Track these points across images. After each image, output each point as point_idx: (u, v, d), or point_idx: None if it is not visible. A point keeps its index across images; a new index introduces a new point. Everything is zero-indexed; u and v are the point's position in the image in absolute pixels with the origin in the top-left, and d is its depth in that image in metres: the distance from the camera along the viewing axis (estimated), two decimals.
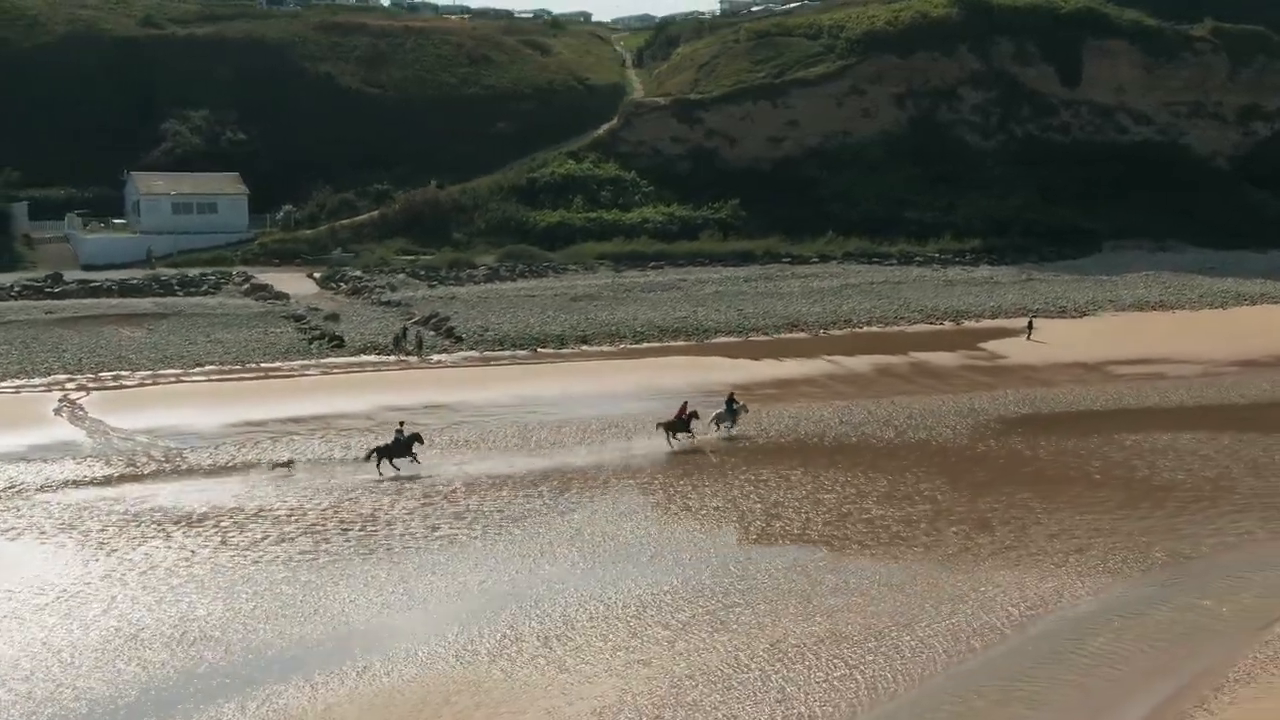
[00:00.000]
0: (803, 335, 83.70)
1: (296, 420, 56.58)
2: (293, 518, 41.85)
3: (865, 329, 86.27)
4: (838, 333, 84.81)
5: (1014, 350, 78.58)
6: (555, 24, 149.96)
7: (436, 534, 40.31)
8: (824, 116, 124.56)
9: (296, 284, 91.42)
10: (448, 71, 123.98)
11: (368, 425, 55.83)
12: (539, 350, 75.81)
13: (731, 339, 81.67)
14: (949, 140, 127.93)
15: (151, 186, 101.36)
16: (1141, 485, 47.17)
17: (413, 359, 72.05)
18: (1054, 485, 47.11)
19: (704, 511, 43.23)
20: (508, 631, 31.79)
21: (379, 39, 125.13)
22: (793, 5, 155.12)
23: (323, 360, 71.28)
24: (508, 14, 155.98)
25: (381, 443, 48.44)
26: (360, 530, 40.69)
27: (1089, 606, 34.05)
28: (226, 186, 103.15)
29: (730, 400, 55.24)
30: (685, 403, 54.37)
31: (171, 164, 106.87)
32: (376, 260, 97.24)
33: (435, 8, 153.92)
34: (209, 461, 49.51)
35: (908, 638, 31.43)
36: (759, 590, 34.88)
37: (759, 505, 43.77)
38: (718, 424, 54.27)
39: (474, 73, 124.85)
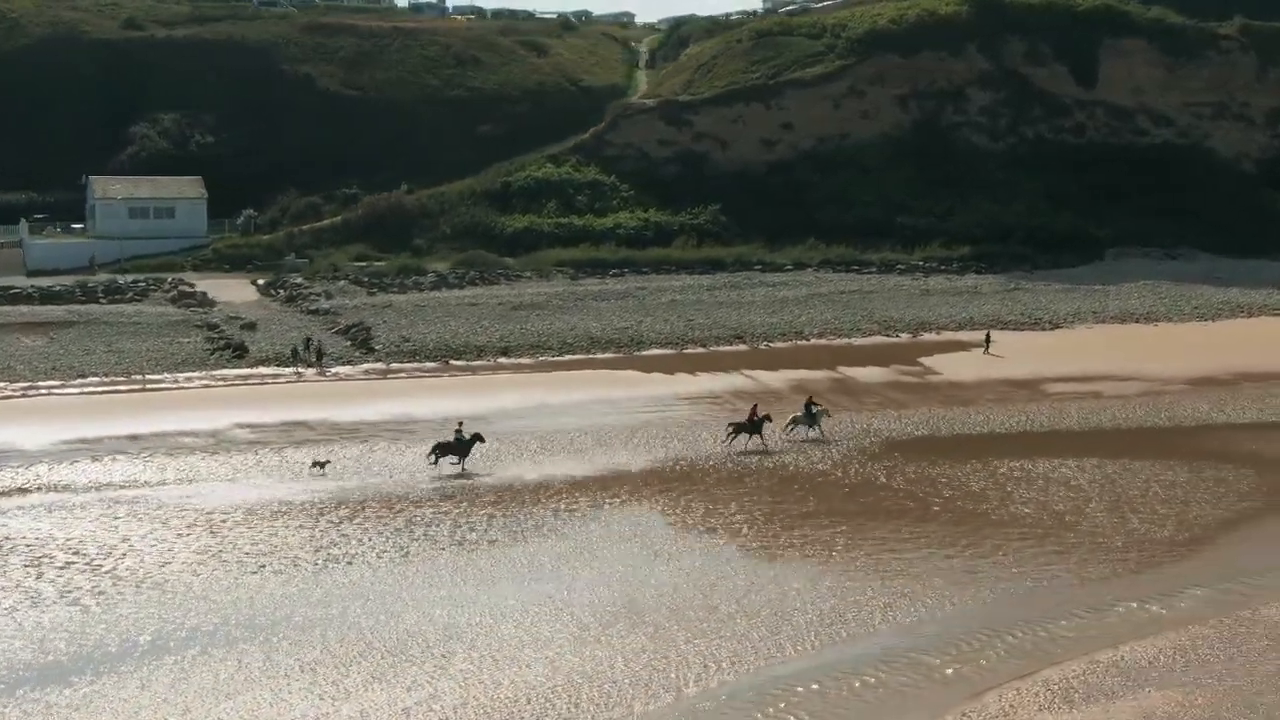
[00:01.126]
0: (742, 348, 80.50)
1: (135, 438, 54.69)
2: None
3: (813, 341, 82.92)
4: (781, 346, 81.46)
5: (954, 366, 74.93)
6: (566, 25, 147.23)
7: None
8: (820, 118, 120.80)
9: (236, 291, 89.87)
10: (432, 73, 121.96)
11: (209, 444, 53.83)
12: (450, 363, 73.28)
13: (665, 351, 78.74)
14: (954, 143, 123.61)
15: (108, 190, 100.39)
16: (977, 519, 43.99)
17: (309, 371, 69.70)
18: (880, 518, 44.10)
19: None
20: None
21: (365, 40, 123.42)
22: (824, 4, 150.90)
23: (216, 372, 69.42)
24: (525, 14, 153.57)
25: (444, 440, 49.80)
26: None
27: (795, 666, 30.74)
28: (185, 190, 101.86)
29: (809, 404, 55.96)
30: (755, 405, 55.31)
31: (137, 168, 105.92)
32: (327, 267, 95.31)
33: (443, 9, 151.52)
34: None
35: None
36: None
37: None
38: (794, 426, 54.87)
39: (460, 74, 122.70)
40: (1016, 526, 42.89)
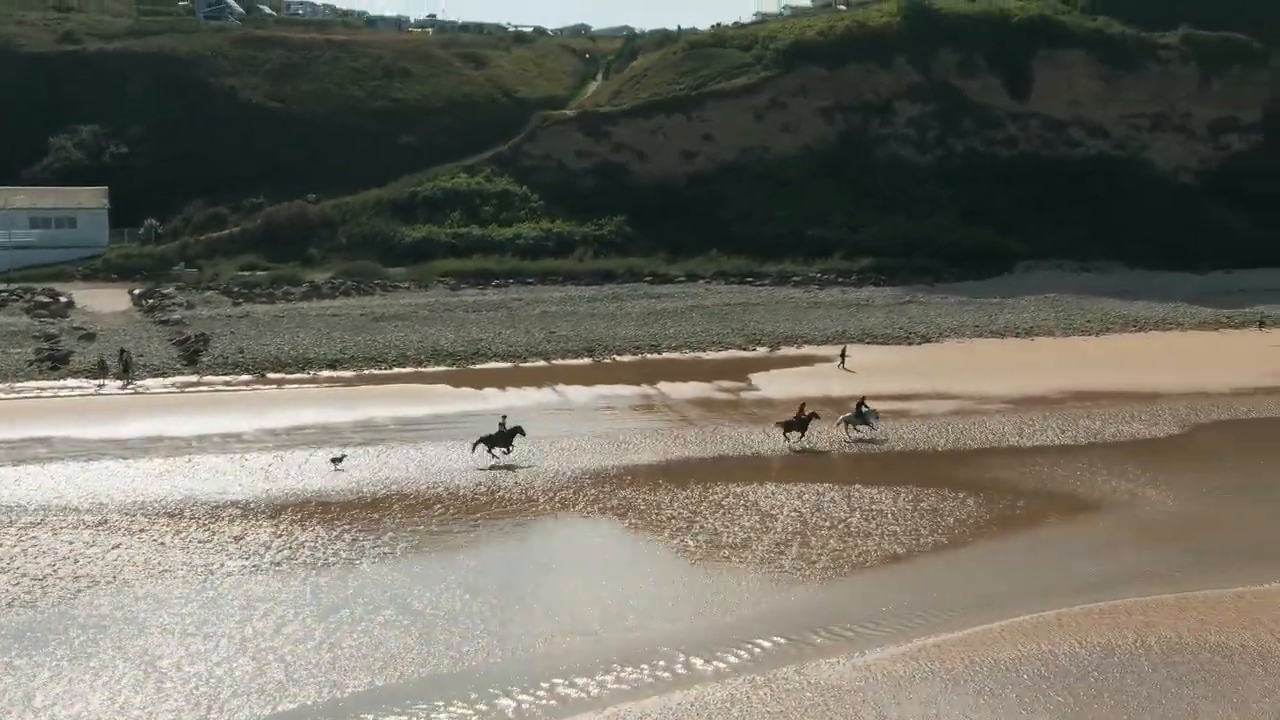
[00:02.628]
0: (586, 362, 77.11)
1: None
2: None
3: (664, 355, 79.45)
4: (627, 359, 78.06)
5: (779, 383, 70.99)
6: (519, 37, 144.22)
7: None
8: (741, 131, 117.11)
9: (110, 301, 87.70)
10: (357, 85, 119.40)
11: None
12: (267, 376, 70.29)
13: (502, 365, 75.54)
14: (879, 156, 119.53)
15: (11, 200, 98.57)
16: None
17: (114, 384, 67.02)
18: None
19: None
20: None
21: (294, 52, 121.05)
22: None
23: (18, 384, 66.76)
24: (480, 27, 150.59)
25: (486, 433, 51.05)
26: None
27: None
28: (86, 201, 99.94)
29: (860, 404, 56.57)
30: (803, 403, 55.73)
31: (51, 179, 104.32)
32: (209, 276, 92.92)
33: (399, 22, 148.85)
34: None
35: None
36: None
37: None
38: (847, 426, 55.89)
39: (385, 86, 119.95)
40: (669, 558, 39.39)
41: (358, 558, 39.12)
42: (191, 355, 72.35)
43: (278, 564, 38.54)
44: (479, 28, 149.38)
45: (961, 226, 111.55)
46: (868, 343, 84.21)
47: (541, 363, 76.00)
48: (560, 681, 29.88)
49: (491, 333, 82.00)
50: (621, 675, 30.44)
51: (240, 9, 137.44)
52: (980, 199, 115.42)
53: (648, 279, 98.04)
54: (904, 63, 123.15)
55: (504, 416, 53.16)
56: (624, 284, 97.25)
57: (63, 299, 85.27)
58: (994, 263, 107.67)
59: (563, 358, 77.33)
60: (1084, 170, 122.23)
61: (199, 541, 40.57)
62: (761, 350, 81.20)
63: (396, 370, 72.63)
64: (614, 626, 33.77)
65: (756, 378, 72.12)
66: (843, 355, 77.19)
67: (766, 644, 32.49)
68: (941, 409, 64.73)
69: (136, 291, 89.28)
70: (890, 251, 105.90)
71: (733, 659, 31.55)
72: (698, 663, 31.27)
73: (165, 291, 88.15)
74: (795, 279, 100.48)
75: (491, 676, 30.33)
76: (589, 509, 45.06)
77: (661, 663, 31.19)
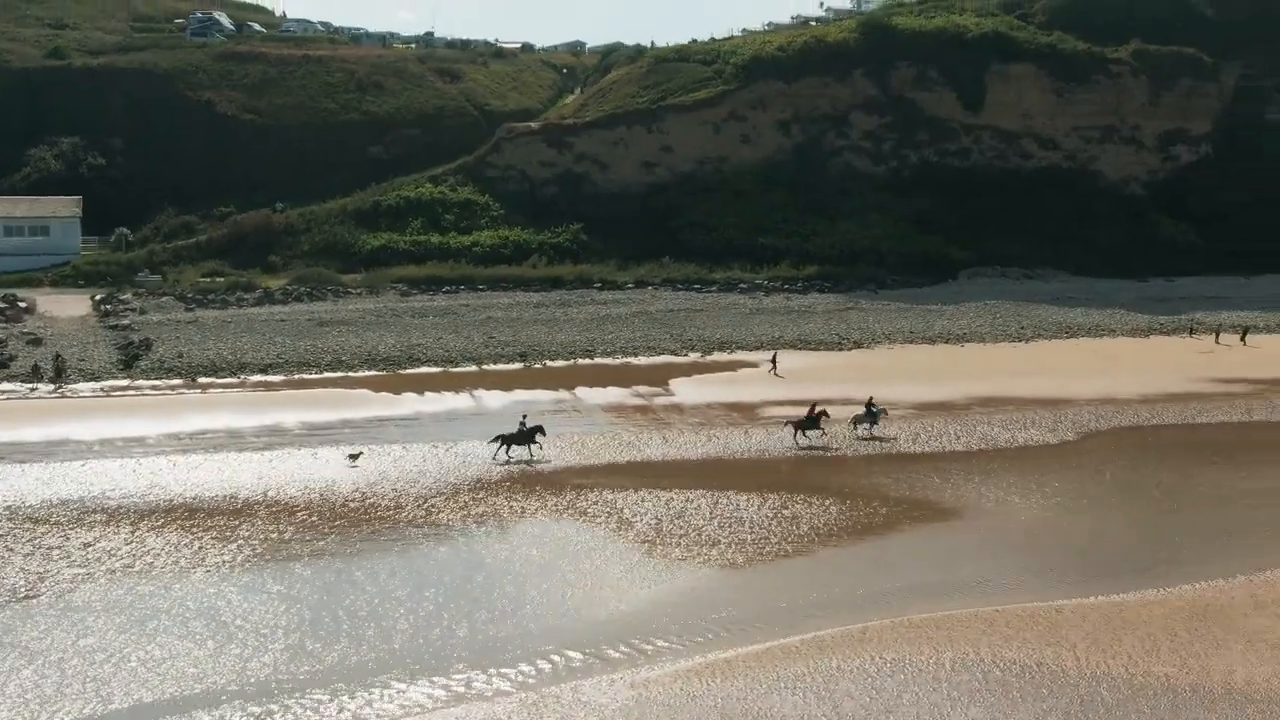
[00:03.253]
0: (518, 366, 75.23)
1: None
2: None
3: (596, 360, 77.37)
4: (559, 364, 76.15)
5: (696, 389, 69.27)
6: (498, 53, 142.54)
7: None
8: (700, 143, 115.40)
9: (72, 307, 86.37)
10: (330, 98, 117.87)
11: None
12: (198, 380, 68.67)
13: (433, 370, 73.56)
14: (834, 167, 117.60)
15: None
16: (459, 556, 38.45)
17: (47, 387, 65.58)
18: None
19: None
20: None
21: (272, 67, 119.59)
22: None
23: None
24: (466, 43, 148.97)
25: (507, 431, 51.41)
26: None
27: None
28: (59, 210, 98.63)
29: (869, 405, 57.26)
30: (815, 403, 56.18)
31: (28, 189, 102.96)
32: (171, 283, 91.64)
33: (383, 38, 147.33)
34: None
35: None
36: None
37: None
38: (856, 425, 56.81)
39: (357, 99, 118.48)
40: (506, 570, 37.73)
41: (194, 566, 37.61)
42: (130, 360, 70.79)
43: (113, 571, 37.05)
44: (465, 44, 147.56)
45: (910, 235, 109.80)
46: (801, 349, 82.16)
47: (473, 368, 74.17)
48: (345, 698, 28.30)
49: (431, 338, 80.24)
50: (404, 692, 28.84)
51: (230, 26, 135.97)
52: (931, 209, 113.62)
53: (597, 286, 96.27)
54: (860, 76, 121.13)
55: (524, 416, 53.55)
56: (573, 290, 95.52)
57: (22, 304, 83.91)
58: (939, 271, 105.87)
59: (495, 363, 75.53)
60: (1034, 181, 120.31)
61: (47, 549, 39.00)
62: (694, 356, 79.24)
63: (327, 375, 70.79)
64: (412, 642, 32.06)
65: (676, 383, 70.27)
66: (773, 361, 75.27)
67: (557, 659, 30.88)
68: (847, 414, 62.69)
69: (97, 297, 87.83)
70: (838, 260, 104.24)
71: (516, 675, 29.89)
72: (478, 679, 29.64)
73: (123, 297, 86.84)
74: (742, 286, 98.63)
75: (268, 692, 28.71)
76: (454, 518, 43.41)
77: (442, 680, 29.54)
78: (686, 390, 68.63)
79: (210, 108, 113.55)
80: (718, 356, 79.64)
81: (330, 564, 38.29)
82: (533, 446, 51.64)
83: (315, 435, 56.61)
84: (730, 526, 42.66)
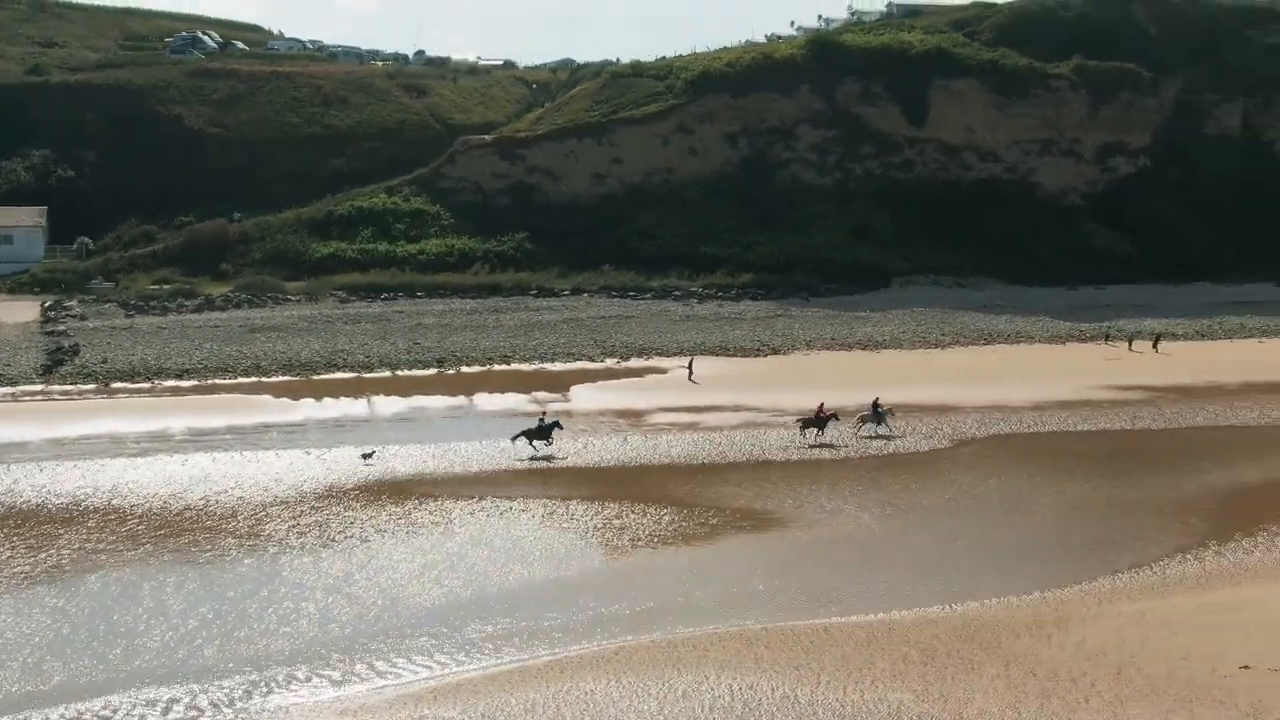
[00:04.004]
0: (432, 372, 73.09)
1: None
2: None
3: (511, 366, 74.97)
4: (473, 370, 73.93)
5: (595, 395, 67.04)
6: (472, 70, 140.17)
7: None
8: (649, 154, 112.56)
9: (20, 313, 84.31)
10: (295, 112, 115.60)
11: None
12: (111, 385, 66.61)
13: (347, 375, 71.35)
14: (781, 178, 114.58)
15: None
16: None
17: None
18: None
19: None
20: None
21: (242, 83, 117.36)
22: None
23: None
24: (443, 60, 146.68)
25: (527, 427, 51.78)
26: None
27: None
28: (24, 219, 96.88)
29: (875, 405, 56.23)
30: (822, 404, 55.40)
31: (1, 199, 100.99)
32: (123, 289, 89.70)
33: (359, 55, 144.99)
34: None
35: None
36: None
37: None
38: (862, 423, 55.66)
39: (321, 114, 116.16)
40: (296, 580, 35.44)
41: None
42: (54, 364, 68.84)
43: None
44: (443, 62, 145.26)
45: (848, 244, 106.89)
46: (720, 355, 79.58)
47: (387, 373, 71.89)
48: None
49: (357, 344, 78.01)
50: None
51: (214, 45, 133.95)
52: (871, 219, 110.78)
53: (533, 293, 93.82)
54: (808, 91, 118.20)
55: (544, 413, 53.93)
56: (509, 297, 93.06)
57: None
58: (873, 279, 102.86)
59: (410, 369, 73.23)
60: (974, 192, 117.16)
61: None
62: (610, 362, 76.73)
63: (240, 380, 68.68)
64: (154, 661, 29.78)
65: (577, 389, 67.84)
66: (690, 367, 72.78)
67: (281, 679, 28.48)
68: (732, 421, 60.55)
69: (48, 304, 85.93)
70: (774, 268, 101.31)
71: (224, 695, 27.53)
72: (183, 700, 27.32)
73: (68, 304, 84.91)
74: (676, 293, 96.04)
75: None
76: (280, 529, 41.35)
77: (147, 698, 27.24)
78: (584, 396, 66.21)
79: (179, 122, 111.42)
80: (634, 363, 77.12)
81: (124, 576, 36.15)
82: (537, 442, 51.38)
83: (195, 441, 54.55)
84: (552, 537, 40.32)
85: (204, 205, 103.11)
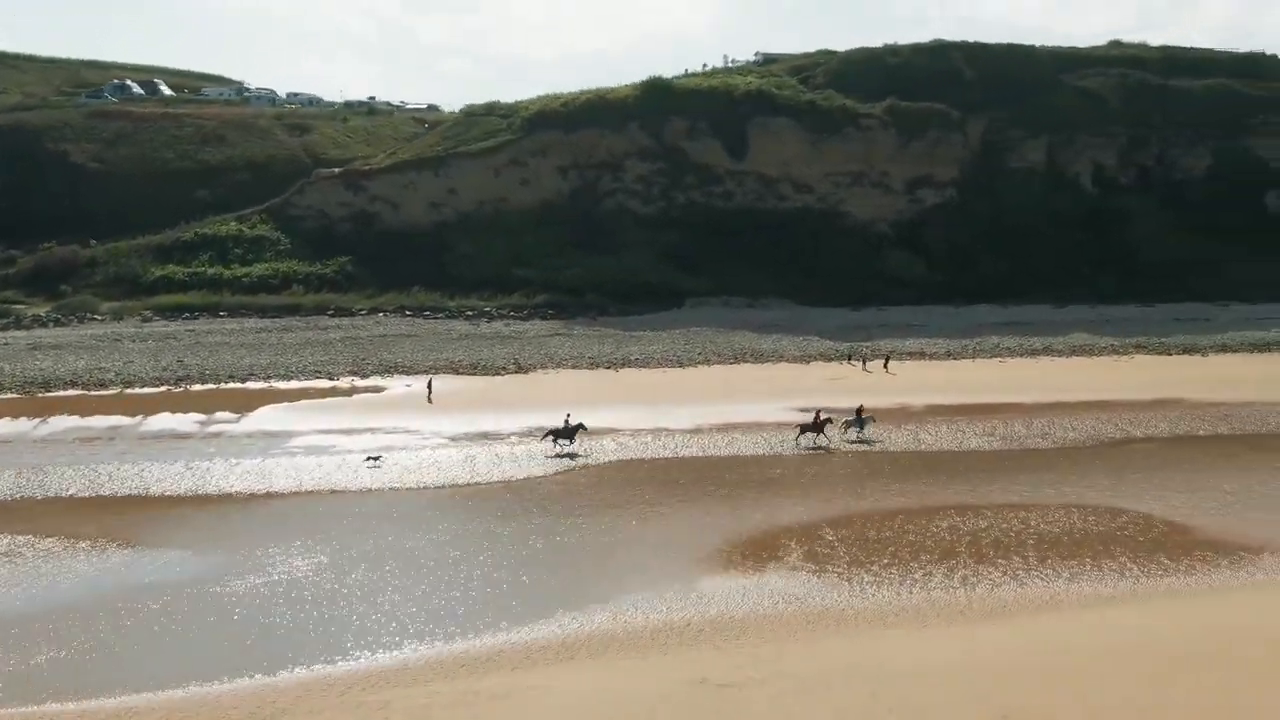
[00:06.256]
0: (162, 390, 64.81)
1: None
2: None
3: (245, 384, 66.90)
4: (205, 388, 65.59)
5: (282, 416, 57.96)
6: (371, 110, 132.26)
7: None
8: (482, 186, 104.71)
9: None
10: (171, 149, 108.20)
11: None
12: None
13: (75, 392, 63.38)
14: (607, 207, 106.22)
15: None
16: None
17: None
18: None
19: None
20: None
21: (131, 124, 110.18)
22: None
23: None
24: (361, 103, 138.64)
25: (554, 427, 48.55)
26: None
27: None
28: None
29: (859, 412, 52.30)
30: (819, 411, 52.05)
31: None
32: None
33: (271, 99, 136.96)
34: None
35: None
36: None
37: None
38: (845, 429, 51.51)
39: (196, 150, 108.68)
40: None
41: None
42: None
43: None
44: (348, 104, 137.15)
45: (655, 267, 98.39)
46: (463, 374, 70.91)
47: (116, 391, 63.70)
48: None
49: (120, 362, 70.02)
50: None
51: (139, 91, 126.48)
52: (682, 244, 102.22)
53: (330, 313, 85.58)
54: (637, 128, 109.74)
55: (568, 414, 49.96)
56: (306, 317, 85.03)
57: None
58: (668, 299, 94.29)
59: (145, 386, 65.07)
60: (787, 220, 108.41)
61: None
62: (348, 380, 68.22)
63: None
64: None
65: (264, 410, 59.19)
66: (429, 386, 64.32)
67: None
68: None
69: None
70: (575, 289, 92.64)
71: None
72: None
73: None
74: (469, 313, 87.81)
75: None
76: None
77: None
78: (266, 417, 57.54)
79: (64, 158, 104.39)
80: (372, 381, 68.62)
81: None
82: (561, 441, 48.17)
83: None
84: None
85: (72, 232, 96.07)
